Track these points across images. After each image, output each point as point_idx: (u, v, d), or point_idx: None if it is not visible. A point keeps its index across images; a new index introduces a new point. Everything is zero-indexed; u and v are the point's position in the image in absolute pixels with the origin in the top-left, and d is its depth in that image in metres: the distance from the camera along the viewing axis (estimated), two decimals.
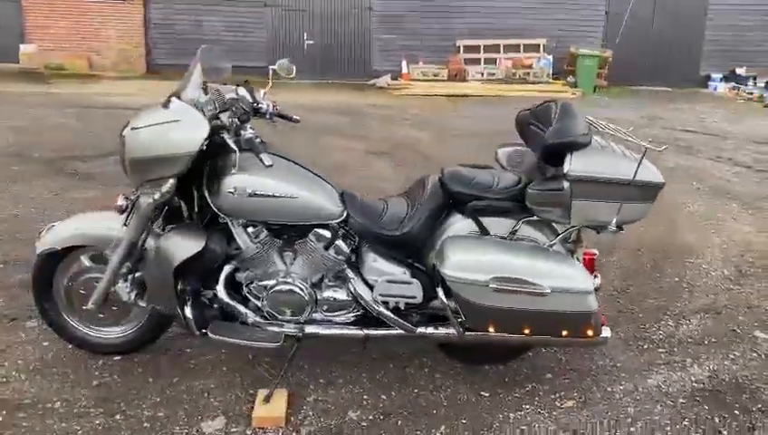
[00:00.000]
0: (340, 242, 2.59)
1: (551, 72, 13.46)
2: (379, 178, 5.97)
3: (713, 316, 3.52)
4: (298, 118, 2.94)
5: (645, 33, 13.71)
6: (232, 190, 2.44)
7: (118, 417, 2.49)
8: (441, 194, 2.61)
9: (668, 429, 2.56)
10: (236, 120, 2.55)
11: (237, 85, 2.75)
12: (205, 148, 2.39)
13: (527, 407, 2.66)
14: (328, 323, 2.68)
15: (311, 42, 13.40)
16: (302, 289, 2.59)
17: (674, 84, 13.67)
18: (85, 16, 12.99)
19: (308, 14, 13.47)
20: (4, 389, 2.63)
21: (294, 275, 2.61)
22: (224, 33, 13.14)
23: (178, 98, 2.46)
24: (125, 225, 2.54)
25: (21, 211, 4.68)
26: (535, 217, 2.54)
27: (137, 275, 2.62)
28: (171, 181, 2.41)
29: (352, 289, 2.62)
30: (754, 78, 13.33)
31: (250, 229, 2.54)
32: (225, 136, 2.42)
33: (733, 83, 13.59)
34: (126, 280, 2.60)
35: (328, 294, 2.65)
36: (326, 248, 2.58)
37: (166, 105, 2.46)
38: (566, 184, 2.35)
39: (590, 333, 2.49)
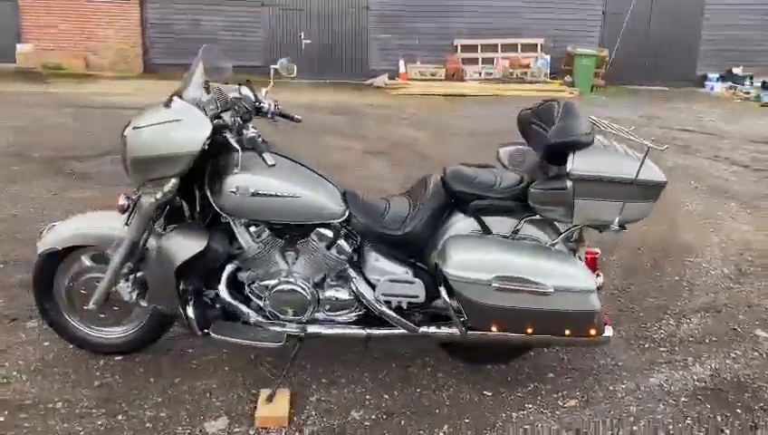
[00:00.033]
0: (342, 241, 2.58)
1: (548, 71, 13.45)
2: (377, 177, 5.96)
3: (713, 315, 3.53)
4: (300, 117, 2.94)
5: (642, 32, 13.72)
6: (234, 190, 2.43)
7: (120, 417, 2.49)
8: (443, 193, 2.61)
9: (671, 427, 2.57)
10: (239, 119, 2.55)
11: (240, 84, 2.75)
12: (207, 147, 2.38)
13: (530, 406, 2.66)
14: (330, 323, 2.67)
15: (308, 41, 13.35)
16: (304, 289, 2.58)
17: (671, 84, 13.67)
18: (82, 16, 12.91)
19: (305, 13, 13.43)
20: (5, 389, 2.62)
21: (296, 275, 2.61)
22: (221, 33, 13.07)
23: (180, 97, 2.45)
24: (126, 224, 2.53)
25: (20, 211, 4.67)
26: (537, 217, 2.54)
27: (138, 274, 2.62)
28: (173, 181, 2.40)
29: (354, 289, 2.62)
30: (751, 78, 13.34)
31: (252, 229, 2.54)
32: (228, 135, 2.42)
33: (729, 83, 13.60)
34: (127, 280, 2.59)
35: (330, 293, 2.64)
36: (328, 248, 2.57)
37: (168, 104, 2.45)
38: (569, 183, 2.35)
39: (592, 332, 2.49)
